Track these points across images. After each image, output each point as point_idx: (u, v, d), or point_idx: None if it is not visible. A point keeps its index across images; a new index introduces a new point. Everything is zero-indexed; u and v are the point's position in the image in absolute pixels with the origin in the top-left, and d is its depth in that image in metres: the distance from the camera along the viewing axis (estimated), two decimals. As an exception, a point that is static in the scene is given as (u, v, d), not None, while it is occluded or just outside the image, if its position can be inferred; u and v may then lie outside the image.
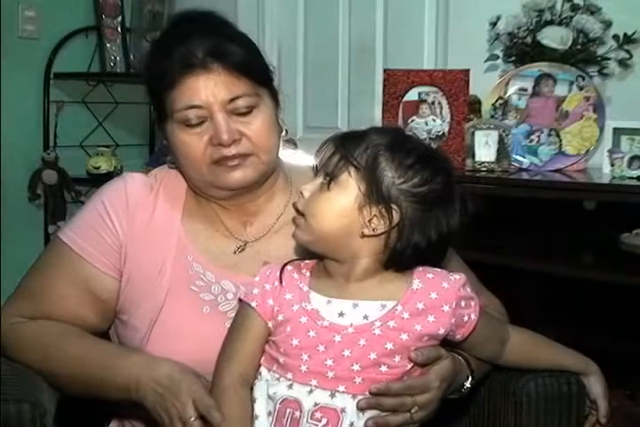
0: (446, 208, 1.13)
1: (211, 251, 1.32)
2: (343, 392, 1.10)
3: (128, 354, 1.23)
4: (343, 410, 1.09)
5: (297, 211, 1.16)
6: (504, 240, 2.14)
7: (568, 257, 2.03)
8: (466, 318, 1.16)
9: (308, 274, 1.18)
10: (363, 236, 1.12)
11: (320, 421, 1.09)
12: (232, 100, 1.23)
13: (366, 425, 1.09)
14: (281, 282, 1.17)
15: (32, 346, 1.26)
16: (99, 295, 1.30)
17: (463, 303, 1.15)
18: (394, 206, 1.10)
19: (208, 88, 1.21)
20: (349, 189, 1.11)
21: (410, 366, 1.13)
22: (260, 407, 1.13)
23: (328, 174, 1.12)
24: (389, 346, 1.11)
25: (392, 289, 1.14)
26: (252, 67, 1.25)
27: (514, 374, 1.33)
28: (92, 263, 1.30)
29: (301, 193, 1.15)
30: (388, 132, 1.16)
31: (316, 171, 1.17)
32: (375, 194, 1.10)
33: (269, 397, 1.13)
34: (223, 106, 1.22)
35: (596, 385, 1.33)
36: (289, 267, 1.19)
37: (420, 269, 1.16)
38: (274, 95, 1.30)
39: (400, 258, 1.13)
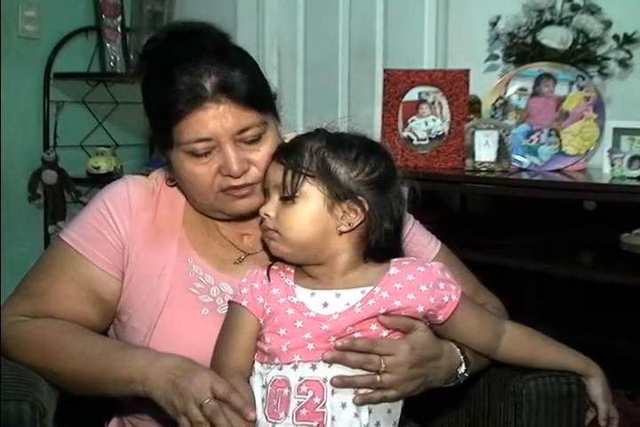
0: (396, 189, 1.20)
1: (210, 256, 1.33)
2: (323, 361, 1.13)
3: (132, 349, 1.23)
4: (325, 380, 1.13)
5: (266, 230, 1.20)
6: (504, 240, 2.15)
7: (568, 257, 2.04)
8: (446, 299, 1.19)
9: (292, 271, 1.22)
10: (341, 233, 1.18)
11: (307, 394, 1.12)
12: (240, 131, 1.22)
13: (332, 382, 1.12)
14: (269, 280, 1.21)
15: (33, 344, 1.26)
16: (101, 295, 1.30)
17: (442, 285, 1.19)
18: (359, 197, 1.17)
19: (216, 120, 1.20)
20: (314, 197, 1.17)
21: (385, 333, 1.16)
22: (258, 399, 1.15)
23: (287, 191, 1.16)
24: (365, 316, 1.15)
25: (371, 277, 1.19)
26: (259, 98, 1.24)
27: (514, 373, 1.33)
28: (94, 263, 1.29)
29: (266, 215, 1.18)
30: (316, 135, 1.21)
31: (266, 191, 1.21)
32: (338, 192, 1.16)
33: (263, 386, 1.15)
34: (231, 137, 1.22)
35: (595, 387, 1.33)
36: (274, 267, 1.23)
37: (395, 260, 1.21)
38: (277, 115, 1.31)
39: (376, 246, 1.18)
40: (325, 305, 1.16)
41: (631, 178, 1.96)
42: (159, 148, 1.30)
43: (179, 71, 1.21)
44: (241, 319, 1.20)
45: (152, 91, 1.27)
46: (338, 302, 1.16)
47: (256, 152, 1.24)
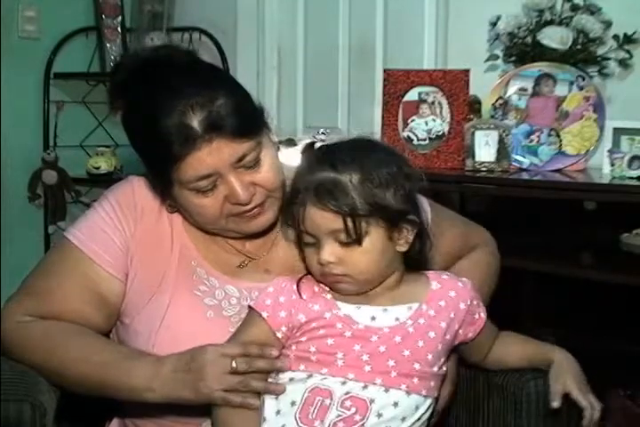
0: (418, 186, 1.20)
1: (213, 259, 1.33)
2: (379, 385, 1.13)
3: (139, 355, 1.22)
4: (372, 401, 1.13)
5: (334, 276, 1.16)
6: (504, 240, 2.14)
7: (568, 257, 2.03)
8: (477, 317, 1.23)
9: (326, 288, 1.20)
10: (399, 252, 1.18)
11: (349, 409, 1.12)
12: (238, 160, 1.22)
13: None
14: (300, 296, 1.18)
15: (39, 346, 1.25)
16: (106, 297, 1.29)
17: (475, 302, 1.22)
18: (409, 217, 1.16)
19: (213, 156, 1.19)
20: (376, 233, 1.14)
21: (443, 371, 1.19)
22: (269, 408, 1.15)
23: (351, 236, 1.12)
24: (420, 343, 1.16)
25: (415, 292, 1.20)
26: (249, 126, 1.22)
27: (513, 374, 1.33)
28: (100, 265, 1.29)
29: (328, 262, 1.14)
30: (342, 164, 1.14)
31: (313, 236, 1.15)
32: (393, 219, 1.14)
33: (294, 390, 1.15)
34: (231, 166, 1.21)
35: (559, 376, 1.28)
36: (304, 280, 1.20)
37: (431, 272, 1.23)
38: (267, 126, 1.29)
39: (420, 251, 1.19)
40: (373, 318, 1.16)
41: (631, 178, 1.96)
42: (159, 186, 1.29)
43: (161, 112, 1.19)
44: (256, 329, 1.19)
45: (138, 134, 1.27)
46: (386, 317, 1.16)
47: (257, 174, 1.24)
